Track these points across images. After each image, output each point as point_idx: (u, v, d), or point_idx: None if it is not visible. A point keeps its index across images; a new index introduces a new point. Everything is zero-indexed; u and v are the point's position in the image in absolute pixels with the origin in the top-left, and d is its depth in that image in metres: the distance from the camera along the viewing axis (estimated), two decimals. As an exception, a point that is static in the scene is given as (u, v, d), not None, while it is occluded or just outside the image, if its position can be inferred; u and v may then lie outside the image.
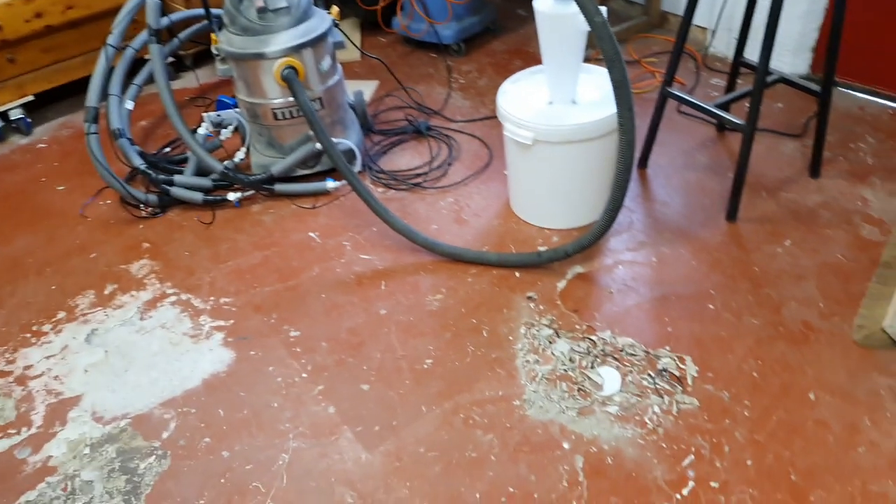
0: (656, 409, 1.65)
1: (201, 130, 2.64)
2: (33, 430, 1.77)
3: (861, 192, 2.26)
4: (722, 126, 2.65)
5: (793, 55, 2.88)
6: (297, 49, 2.30)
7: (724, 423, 1.61)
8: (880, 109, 2.67)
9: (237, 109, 2.72)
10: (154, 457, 1.66)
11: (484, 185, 2.51)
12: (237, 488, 1.57)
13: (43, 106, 3.24)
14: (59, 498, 1.59)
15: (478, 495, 1.50)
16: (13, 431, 1.77)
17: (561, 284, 2.03)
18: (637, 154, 2.46)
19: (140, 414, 1.77)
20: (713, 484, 1.48)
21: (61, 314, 2.11)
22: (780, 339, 1.79)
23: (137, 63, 2.80)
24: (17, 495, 1.61)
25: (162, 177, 2.46)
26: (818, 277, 1.96)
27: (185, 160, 2.64)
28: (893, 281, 1.86)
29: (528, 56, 3.33)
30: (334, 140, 2.41)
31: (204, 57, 3.44)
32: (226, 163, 2.47)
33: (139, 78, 2.85)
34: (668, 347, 1.80)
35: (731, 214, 2.19)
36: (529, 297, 1.99)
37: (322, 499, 1.53)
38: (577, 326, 1.89)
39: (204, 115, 2.71)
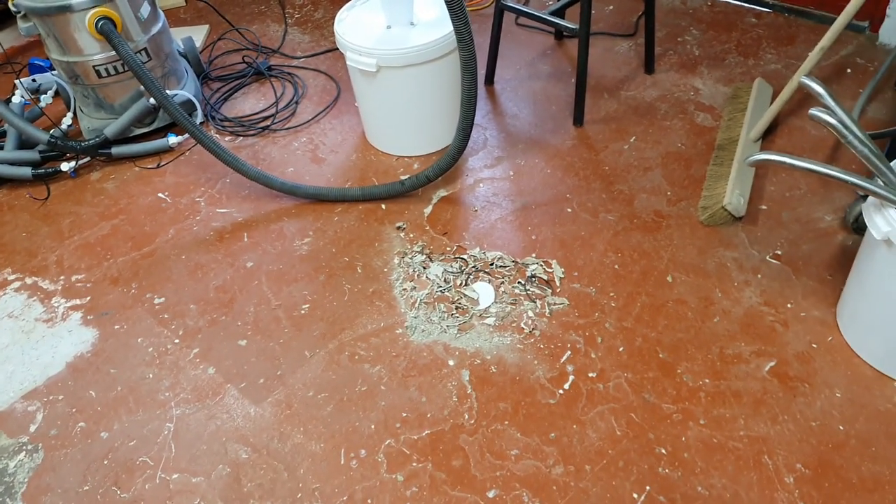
0: (530, 313, 1.72)
1: (16, 99, 2.37)
2: None
3: (692, 83, 2.40)
4: (560, 33, 2.71)
5: (618, -43, 2.97)
6: (108, -4, 2.10)
7: (594, 317, 1.70)
8: (700, 1, 2.82)
9: (54, 72, 2.47)
10: (24, 452, 1.55)
11: (336, 119, 2.44)
12: (123, 467, 1.50)
13: None
14: (-77, 517, 1.47)
15: (373, 426, 1.52)
16: None
17: (427, 210, 2.04)
18: (482, 71, 2.48)
19: None
20: (591, 374, 1.58)
21: None
22: (636, 230, 1.91)
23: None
24: None
25: (-23, 156, 2.22)
26: (663, 167, 2.09)
27: (2, 134, 2.39)
28: (728, 161, 2.01)
29: (364, -18, 3.23)
30: (169, 92, 2.26)
31: (3, 17, 3.08)
32: (52, 132, 2.26)
33: (-73, 47, 2.52)
34: (534, 254, 1.87)
35: (578, 118, 2.27)
36: (399, 227, 1.99)
37: (216, 459, 1.49)
38: (448, 248, 1.91)
39: (17, 81, 2.44)
